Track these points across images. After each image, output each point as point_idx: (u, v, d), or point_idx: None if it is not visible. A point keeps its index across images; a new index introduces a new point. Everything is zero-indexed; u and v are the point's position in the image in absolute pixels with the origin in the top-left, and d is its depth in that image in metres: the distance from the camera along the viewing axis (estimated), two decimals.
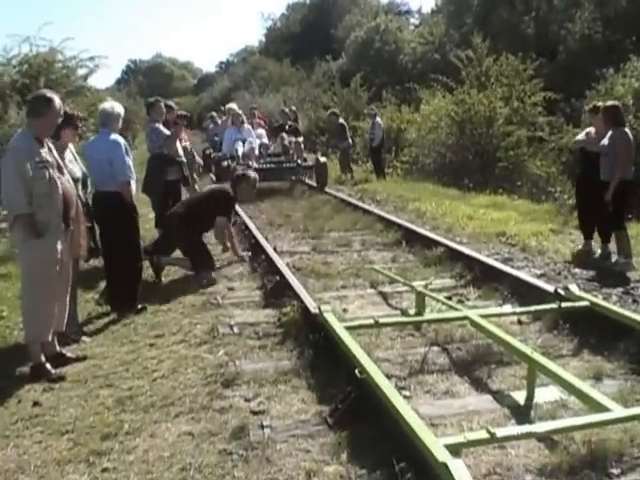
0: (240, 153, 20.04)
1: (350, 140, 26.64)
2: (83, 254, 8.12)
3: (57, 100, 7.10)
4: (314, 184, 21.33)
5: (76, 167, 8.80)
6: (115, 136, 8.96)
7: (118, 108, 9.36)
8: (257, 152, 20.75)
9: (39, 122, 6.98)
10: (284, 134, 22.11)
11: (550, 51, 41.60)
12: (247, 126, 21.36)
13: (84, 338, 8.25)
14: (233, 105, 24.17)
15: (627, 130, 10.81)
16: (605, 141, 10.66)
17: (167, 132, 12.30)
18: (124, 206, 8.94)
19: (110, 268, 9.36)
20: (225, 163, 19.58)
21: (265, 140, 22.35)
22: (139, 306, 9.22)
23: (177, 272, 11.02)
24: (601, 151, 10.71)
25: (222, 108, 29.12)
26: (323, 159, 22.08)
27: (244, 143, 20.41)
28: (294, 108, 29.05)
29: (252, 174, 11.83)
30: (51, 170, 6.92)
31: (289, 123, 23.71)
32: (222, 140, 21.55)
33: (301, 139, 23.22)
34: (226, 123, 22.62)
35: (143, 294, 9.66)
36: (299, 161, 21.54)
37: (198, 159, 16.16)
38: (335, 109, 29.28)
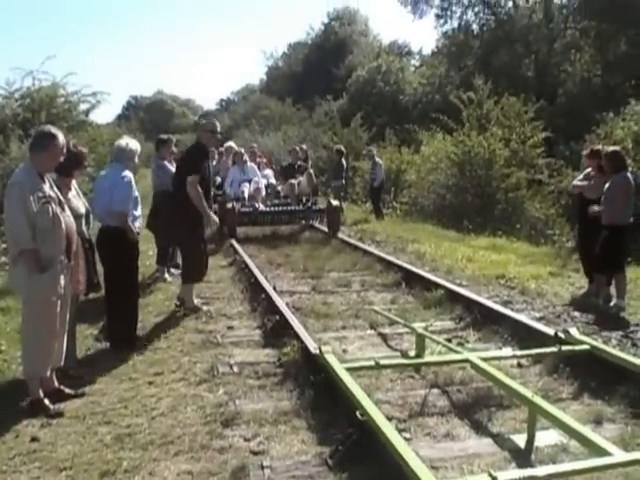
0: (246, 194, 19.20)
1: (344, 180, 26.69)
2: (81, 290, 8.10)
3: (61, 136, 7.13)
4: (325, 229, 19.76)
5: (80, 203, 8.82)
6: (123, 171, 8.98)
7: (133, 145, 9.39)
8: (264, 193, 19.82)
9: (42, 157, 7.00)
10: (293, 180, 20.56)
11: (550, 94, 41.95)
12: (251, 165, 20.41)
13: (86, 371, 8.25)
14: (232, 143, 23.64)
15: (629, 175, 10.82)
16: (606, 187, 10.69)
17: (173, 169, 12.26)
18: (125, 242, 8.94)
19: (110, 304, 9.35)
20: (230, 205, 18.46)
21: (272, 181, 21.34)
22: (138, 343, 9.21)
23: (178, 310, 10.99)
24: (603, 196, 10.73)
25: (220, 148, 28.43)
26: (336, 202, 20.25)
27: (249, 183, 19.61)
28: (304, 147, 26.72)
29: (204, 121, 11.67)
30: (54, 205, 6.94)
31: (299, 163, 22.11)
32: (223, 179, 20.86)
33: (312, 171, 21.89)
34: (226, 163, 21.70)
35: (142, 330, 9.67)
36: (309, 204, 20.02)
37: None
38: (341, 147, 28.67)
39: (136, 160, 9.40)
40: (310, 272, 13.78)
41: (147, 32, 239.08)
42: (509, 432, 6.30)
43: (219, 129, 11.31)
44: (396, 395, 7.24)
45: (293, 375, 7.68)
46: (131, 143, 9.43)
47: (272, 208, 19.43)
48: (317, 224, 20.68)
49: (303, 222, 20.66)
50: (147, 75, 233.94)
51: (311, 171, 21.38)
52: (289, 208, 19.76)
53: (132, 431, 6.50)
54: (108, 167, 9.78)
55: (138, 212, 9.25)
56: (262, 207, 19.02)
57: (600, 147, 11.76)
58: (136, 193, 9.17)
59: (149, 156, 16.37)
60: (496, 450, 5.94)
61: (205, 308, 10.93)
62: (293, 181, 20.51)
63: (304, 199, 20.23)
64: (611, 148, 11.59)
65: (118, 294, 9.18)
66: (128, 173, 9.05)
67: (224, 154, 22.38)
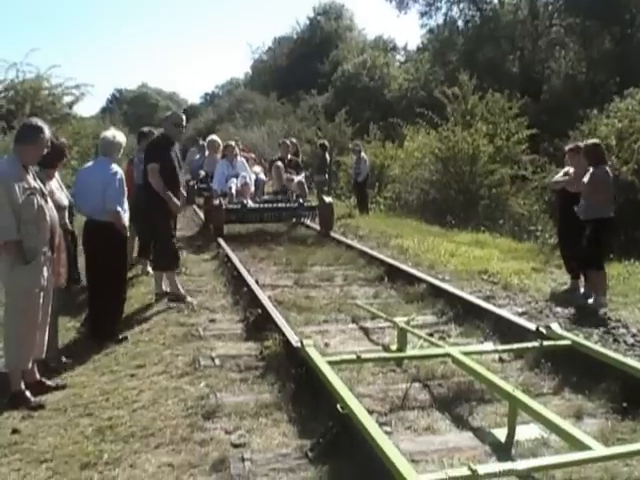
0: (234, 190, 17.84)
1: (327, 175, 26.56)
2: (62, 283, 8.08)
3: (47, 130, 7.16)
4: (317, 227, 18.64)
5: (62, 195, 8.82)
6: (114, 166, 9.02)
7: (120, 137, 9.44)
8: (252, 189, 18.51)
9: (27, 150, 7.01)
10: (279, 162, 19.61)
11: (534, 90, 42.07)
12: (241, 159, 19.14)
13: (64, 360, 8.25)
14: (215, 137, 23.09)
15: (607, 169, 10.85)
16: (585, 180, 10.71)
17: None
18: (116, 237, 8.96)
19: (94, 297, 9.34)
20: (216, 201, 17.34)
21: (262, 176, 20.02)
22: (120, 336, 9.20)
23: (160, 302, 10.97)
24: (581, 190, 10.76)
25: (201, 142, 28.14)
26: (329, 199, 18.99)
27: (237, 179, 18.24)
28: (294, 140, 25.46)
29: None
30: (38, 197, 6.94)
31: (289, 157, 20.60)
32: (210, 174, 20.35)
33: (303, 175, 20.32)
34: (212, 156, 21.12)
35: (125, 323, 9.66)
36: (300, 200, 18.63)
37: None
38: (325, 141, 28.47)
39: (121, 152, 9.42)
40: (293, 266, 13.74)
41: (131, 25, 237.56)
42: (490, 426, 6.31)
43: (184, 122, 11.30)
44: (377, 389, 7.25)
45: (275, 368, 7.67)
46: (118, 135, 9.45)
47: (261, 205, 18.38)
48: (309, 222, 19.36)
49: (294, 220, 19.39)
50: (131, 68, 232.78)
51: (303, 180, 19.90)
52: (279, 205, 18.55)
53: (113, 423, 6.49)
54: (94, 160, 9.73)
55: (125, 206, 9.26)
56: (251, 204, 17.90)
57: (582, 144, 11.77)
58: (125, 187, 9.18)
59: (132, 149, 16.27)
60: (477, 444, 5.95)
61: (189, 299, 10.93)
62: (279, 164, 19.57)
63: (294, 195, 18.95)
64: (591, 141, 11.60)
65: (105, 287, 9.18)
66: (117, 168, 9.08)
67: (207, 147, 22.19)
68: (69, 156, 10.25)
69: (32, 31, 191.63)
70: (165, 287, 11.15)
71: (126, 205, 9.27)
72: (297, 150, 23.85)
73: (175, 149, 11.18)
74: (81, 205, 9.24)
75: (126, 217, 9.25)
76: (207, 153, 23.29)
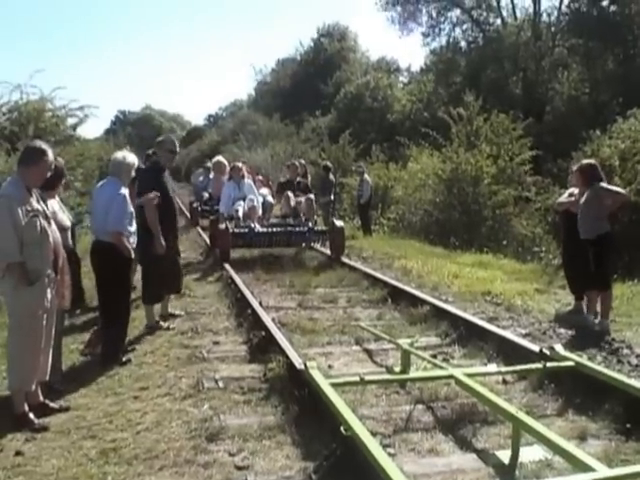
0: (241, 214, 17.16)
1: (332, 196, 26.22)
2: (66, 305, 8.09)
3: (50, 152, 7.19)
4: (327, 252, 17.91)
5: (64, 216, 8.85)
6: (119, 187, 8.99)
7: (130, 158, 9.40)
8: (260, 211, 17.76)
9: (31, 172, 7.04)
10: (289, 193, 18.59)
11: (538, 111, 42.19)
12: (248, 181, 18.48)
13: (71, 385, 8.25)
14: (221, 158, 23.02)
15: (601, 185, 10.82)
16: (582, 200, 10.73)
17: None
18: (119, 257, 8.93)
19: (102, 318, 9.35)
20: (222, 225, 16.67)
21: (270, 199, 19.16)
22: (124, 359, 9.20)
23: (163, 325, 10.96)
24: (578, 210, 10.77)
25: (208, 165, 27.90)
26: (340, 223, 18.23)
27: (244, 201, 17.49)
28: (303, 161, 25.09)
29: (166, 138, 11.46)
30: (41, 219, 6.96)
31: (298, 179, 19.97)
32: (216, 196, 20.00)
33: (312, 196, 19.03)
34: (218, 178, 21.05)
35: (129, 345, 9.66)
36: (310, 224, 17.73)
37: None
38: (328, 163, 28.39)
39: (131, 173, 9.40)
40: (296, 288, 13.73)
41: (136, 47, 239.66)
42: (493, 448, 6.31)
43: (177, 148, 11.29)
44: (381, 411, 7.25)
45: (278, 390, 7.67)
46: (128, 157, 9.42)
47: (270, 229, 17.48)
48: (319, 246, 18.47)
49: (304, 245, 18.43)
50: (135, 90, 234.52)
51: (312, 197, 18.96)
52: (288, 229, 17.70)
53: (117, 445, 6.48)
54: (105, 181, 9.71)
55: (133, 228, 9.25)
56: (258, 228, 17.11)
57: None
58: (131, 209, 9.18)
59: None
60: (480, 466, 5.95)
61: (165, 324, 10.94)
62: (289, 193, 18.60)
63: (303, 218, 18.01)
64: (585, 161, 11.60)
65: (110, 308, 9.18)
66: (124, 189, 9.05)
67: (213, 169, 22.04)
68: (70, 177, 10.26)
69: (36, 53, 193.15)
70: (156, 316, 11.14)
71: (133, 227, 9.26)
72: (306, 171, 23.36)
73: (167, 175, 11.19)
74: (91, 224, 9.26)
75: (133, 238, 9.24)
76: (213, 174, 23.18)
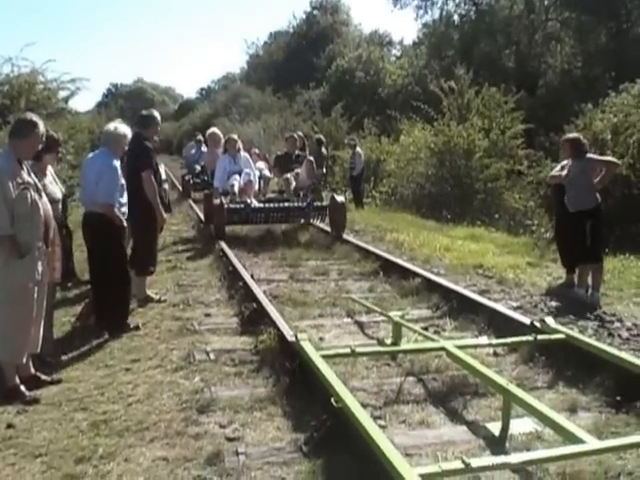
0: (236, 189, 16.38)
1: (324, 169, 25.74)
2: (57, 277, 8.08)
3: (41, 125, 7.16)
4: (327, 229, 17.18)
5: (56, 188, 8.81)
6: (110, 158, 8.93)
7: (122, 129, 9.32)
8: (257, 186, 17.07)
9: (22, 144, 7.00)
10: (289, 175, 17.53)
11: (530, 85, 42.12)
12: (244, 154, 17.45)
13: (63, 358, 8.23)
14: (215, 129, 21.99)
15: (588, 157, 10.83)
16: (564, 173, 10.74)
17: None
18: (111, 227, 8.88)
19: (97, 289, 9.30)
20: (217, 200, 15.95)
21: (267, 173, 18.62)
22: (132, 325, 9.21)
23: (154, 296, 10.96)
24: (566, 182, 10.78)
25: (199, 137, 27.81)
26: (341, 199, 17.49)
27: (240, 175, 16.69)
28: (301, 134, 24.05)
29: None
30: (32, 191, 6.93)
31: (297, 152, 18.95)
32: (203, 167, 19.79)
33: (312, 158, 18.37)
34: (212, 151, 20.34)
35: None
36: (309, 199, 17.06)
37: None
38: (321, 136, 27.90)
39: (124, 144, 9.31)
40: (288, 261, 13.75)
41: (128, 20, 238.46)
42: (484, 420, 6.33)
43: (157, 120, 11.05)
44: (372, 383, 7.26)
45: (269, 362, 7.66)
46: (120, 127, 9.33)
47: (266, 204, 16.75)
48: (318, 223, 17.79)
49: (302, 221, 17.89)
50: (127, 63, 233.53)
51: (311, 158, 18.25)
52: (286, 205, 16.90)
53: (108, 418, 6.49)
54: (96, 151, 9.62)
55: (124, 199, 9.21)
56: (255, 203, 16.37)
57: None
58: (122, 181, 9.13)
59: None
60: (471, 438, 5.97)
61: (157, 297, 10.92)
62: (289, 175, 17.55)
63: (301, 193, 17.37)
64: (571, 135, 11.63)
65: (107, 278, 9.13)
66: (115, 161, 8.97)
67: (207, 141, 21.76)
68: (62, 150, 10.19)
69: (27, 25, 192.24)
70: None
71: (125, 198, 9.22)
72: (304, 144, 22.64)
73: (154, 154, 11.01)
74: (81, 196, 9.20)
75: (124, 209, 9.19)
76: (205, 147, 23.02)
